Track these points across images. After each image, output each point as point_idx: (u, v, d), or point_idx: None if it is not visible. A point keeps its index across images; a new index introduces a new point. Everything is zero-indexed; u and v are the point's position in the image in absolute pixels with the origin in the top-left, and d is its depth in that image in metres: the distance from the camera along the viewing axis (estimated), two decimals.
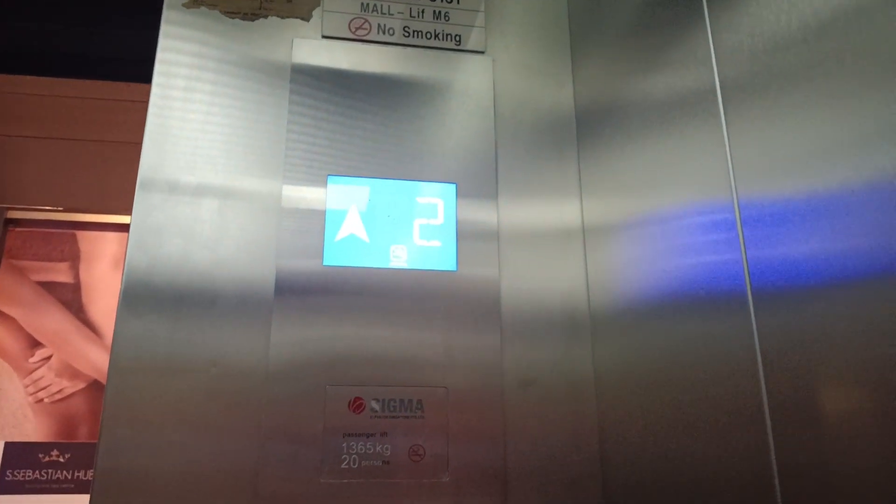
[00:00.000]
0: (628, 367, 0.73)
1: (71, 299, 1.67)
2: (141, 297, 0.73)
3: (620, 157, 0.77)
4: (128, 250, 0.74)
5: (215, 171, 0.79)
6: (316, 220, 0.79)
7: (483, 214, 0.83)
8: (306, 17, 0.87)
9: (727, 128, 0.57)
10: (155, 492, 0.69)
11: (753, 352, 0.53)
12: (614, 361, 0.76)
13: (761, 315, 0.52)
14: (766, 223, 0.52)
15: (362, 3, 0.89)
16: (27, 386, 1.62)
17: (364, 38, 0.87)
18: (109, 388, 0.71)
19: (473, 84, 0.88)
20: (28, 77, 1.70)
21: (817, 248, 0.47)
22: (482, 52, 0.90)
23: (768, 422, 0.51)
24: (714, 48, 0.60)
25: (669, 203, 0.66)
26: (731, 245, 0.56)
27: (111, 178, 1.70)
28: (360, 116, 0.84)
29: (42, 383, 1.62)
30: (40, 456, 1.57)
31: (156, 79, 0.80)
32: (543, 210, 0.85)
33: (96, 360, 1.65)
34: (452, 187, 0.83)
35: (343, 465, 0.73)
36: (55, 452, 1.58)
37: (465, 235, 0.82)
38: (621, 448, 0.73)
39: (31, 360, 1.63)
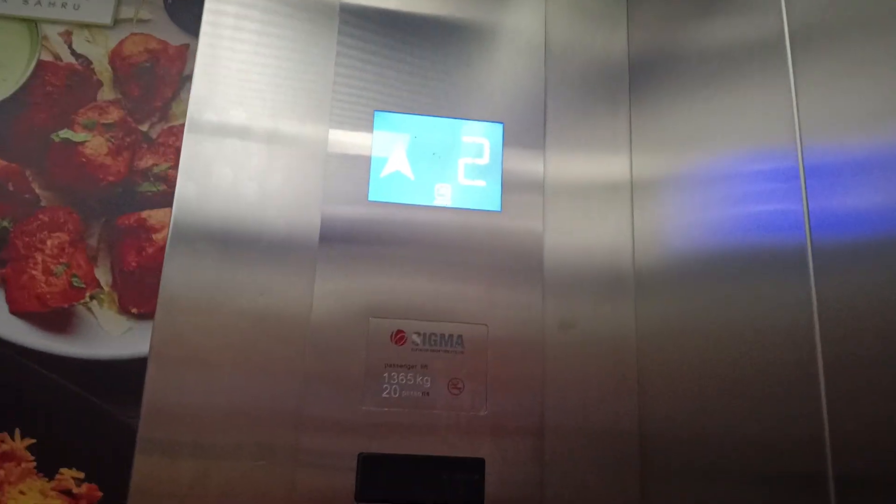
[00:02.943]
0: (673, 322, 0.73)
1: None
2: (190, 225, 0.76)
3: (676, 107, 0.75)
4: (178, 179, 0.76)
5: (264, 103, 0.80)
6: (362, 155, 0.80)
7: (529, 156, 0.83)
8: None
9: (795, 76, 0.55)
10: (201, 420, 0.72)
11: (810, 310, 0.51)
12: (657, 316, 0.76)
13: (820, 270, 0.51)
14: (831, 173, 0.51)
15: None
16: None
17: None
18: (159, 316, 0.73)
19: (524, 22, 0.87)
20: None
21: (884, 201, 0.45)
22: None
23: (823, 389, 0.50)
24: None
25: (728, 153, 0.65)
26: (793, 194, 0.54)
27: None
28: (407, 53, 0.84)
29: None
30: None
31: (205, 17, 0.81)
32: (591, 155, 0.85)
33: None
34: (499, 127, 0.83)
35: (384, 395, 0.75)
36: None
37: (511, 176, 0.82)
38: (661, 401, 0.74)
39: None
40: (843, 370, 0.49)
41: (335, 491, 0.72)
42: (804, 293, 0.52)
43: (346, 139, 0.80)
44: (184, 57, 1.37)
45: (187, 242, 0.75)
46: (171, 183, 1.29)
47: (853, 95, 0.49)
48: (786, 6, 0.58)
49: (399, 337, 0.77)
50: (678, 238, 0.73)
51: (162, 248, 1.23)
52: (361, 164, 0.80)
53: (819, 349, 0.50)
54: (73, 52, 1.32)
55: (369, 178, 0.80)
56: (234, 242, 0.76)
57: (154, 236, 1.27)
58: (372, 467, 0.73)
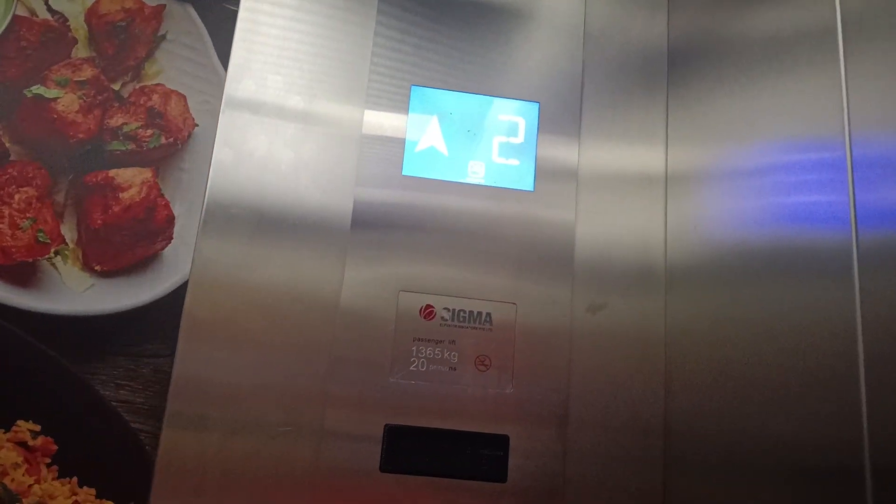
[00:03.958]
0: (705, 316, 0.73)
1: None
2: (226, 190, 0.74)
3: (716, 95, 0.76)
4: (215, 145, 0.74)
5: (301, 72, 0.79)
6: (398, 129, 0.80)
7: (564, 137, 0.84)
8: None
9: (846, 65, 0.56)
10: (228, 393, 0.71)
11: (853, 306, 0.51)
12: (689, 310, 0.77)
13: (865, 264, 0.50)
14: (880, 165, 0.50)
15: None
16: None
17: None
18: (192, 285, 0.72)
19: (563, 2, 0.88)
20: None
21: None
22: None
23: (863, 387, 0.49)
24: None
25: (771, 143, 0.65)
26: (839, 186, 0.54)
27: None
28: (446, 29, 0.84)
29: None
30: None
31: None
32: (626, 145, 0.86)
33: None
34: (535, 106, 0.84)
35: (412, 367, 0.76)
36: None
37: (545, 156, 0.83)
38: (688, 395, 0.75)
39: None
40: (884, 368, 0.48)
41: (360, 461, 0.72)
42: (847, 288, 0.51)
43: (382, 109, 0.80)
44: (159, 17, 1.33)
45: (222, 209, 0.73)
46: (140, 142, 1.26)
47: None
48: None
49: (428, 311, 0.77)
50: (714, 232, 0.73)
51: (128, 208, 1.20)
52: (397, 136, 0.80)
53: (860, 346, 0.50)
54: (50, 9, 1.27)
55: (404, 151, 0.80)
56: (268, 214, 0.75)
57: (121, 195, 1.24)
58: (398, 439, 0.73)
